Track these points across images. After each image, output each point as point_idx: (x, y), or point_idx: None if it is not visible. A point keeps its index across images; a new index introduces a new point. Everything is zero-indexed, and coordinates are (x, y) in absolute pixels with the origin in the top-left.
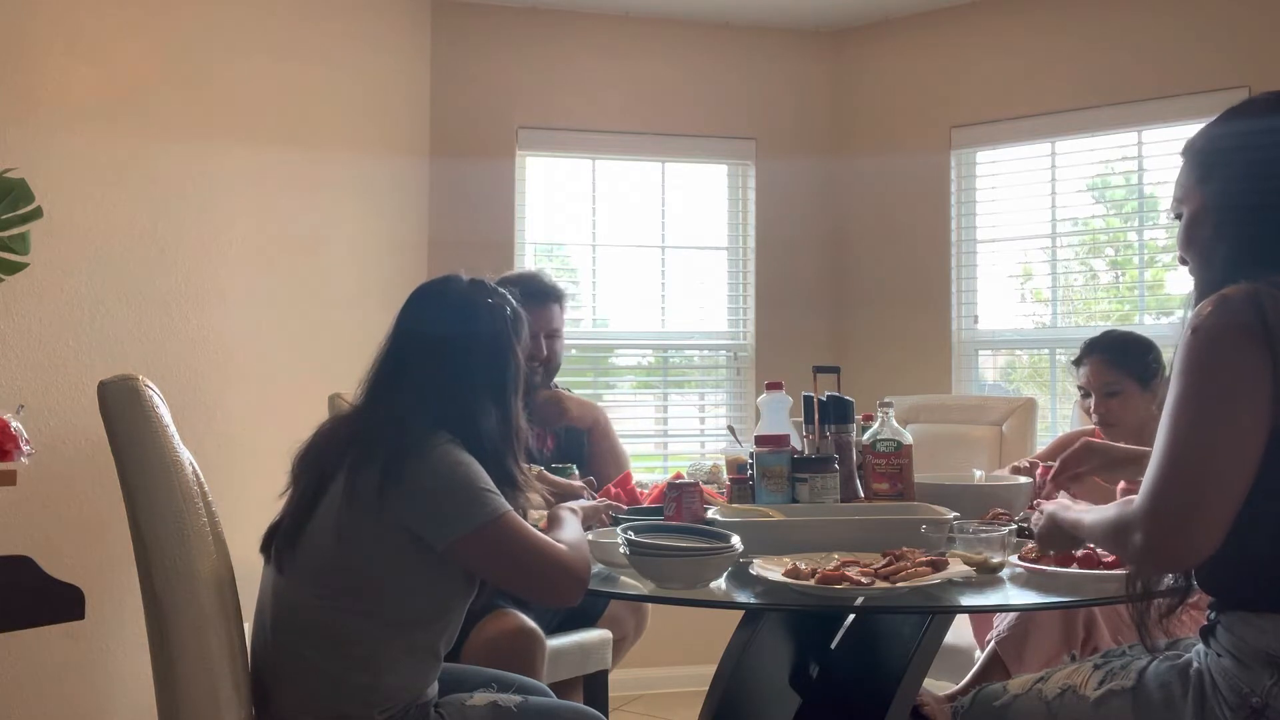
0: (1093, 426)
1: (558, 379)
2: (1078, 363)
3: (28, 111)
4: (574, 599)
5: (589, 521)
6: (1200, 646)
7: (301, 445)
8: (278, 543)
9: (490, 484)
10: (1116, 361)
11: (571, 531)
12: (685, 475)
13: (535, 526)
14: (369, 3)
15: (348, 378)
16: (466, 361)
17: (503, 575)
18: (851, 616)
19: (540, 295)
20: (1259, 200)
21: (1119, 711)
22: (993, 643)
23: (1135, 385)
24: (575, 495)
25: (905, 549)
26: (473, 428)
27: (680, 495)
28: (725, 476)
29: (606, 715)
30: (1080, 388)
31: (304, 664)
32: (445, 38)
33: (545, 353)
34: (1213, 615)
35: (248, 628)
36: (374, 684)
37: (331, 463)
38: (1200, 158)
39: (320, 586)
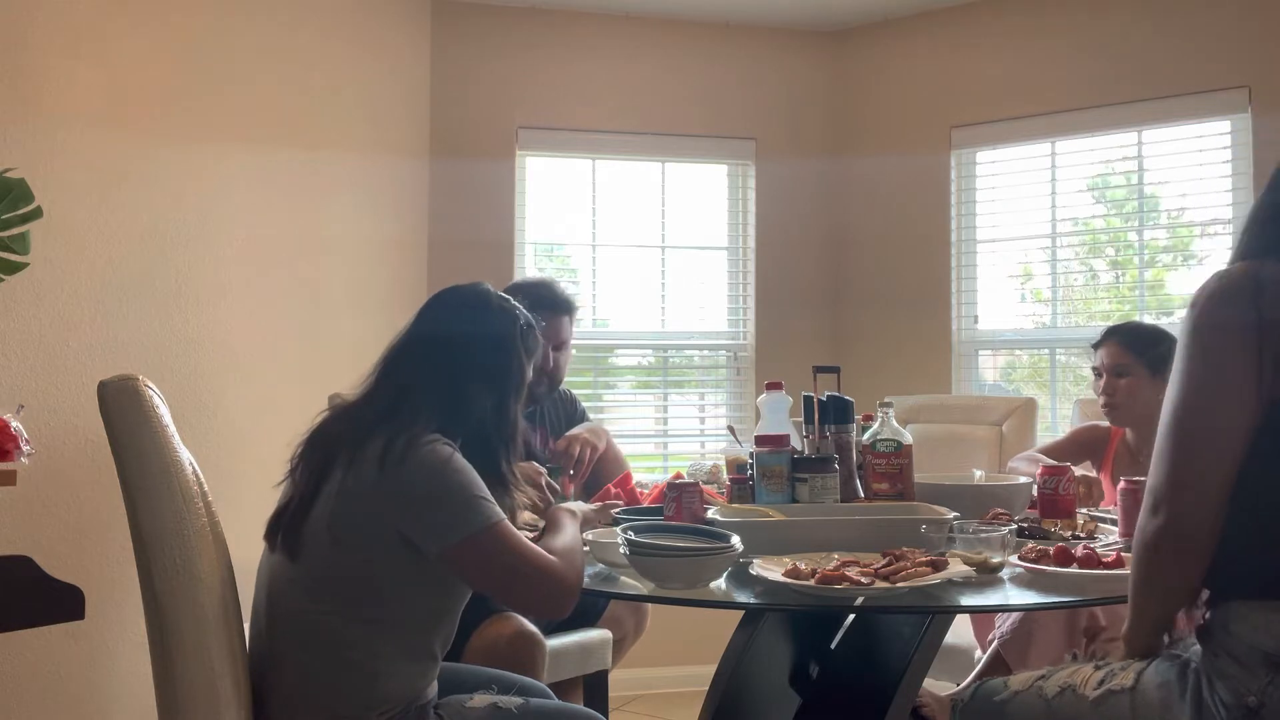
0: (1095, 424)
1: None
2: (1097, 345)
3: (28, 111)
4: (562, 612)
5: (588, 526)
6: (1197, 648)
7: (301, 437)
8: (285, 527)
9: (483, 490)
10: (1132, 346)
11: (566, 538)
12: (685, 475)
13: (528, 530)
14: (369, 3)
15: (348, 377)
16: (469, 355)
17: (491, 585)
18: (851, 616)
19: (551, 305)
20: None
21: (1117, 711)
22: (996, 643)
23: (1145, 371)
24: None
25: (905, 549)
26: (466, 421)
27: (680, 495)
28: (725, 476)
29: (606, 715)
30: (1094, 368)
31: (300, 668)
32: (445, 38)
33: (551, 364)
34: (1208, 614)
35: (247, 628)
36: (371, 687)
37: (330, 455)
38: None
39: (316, 591)
